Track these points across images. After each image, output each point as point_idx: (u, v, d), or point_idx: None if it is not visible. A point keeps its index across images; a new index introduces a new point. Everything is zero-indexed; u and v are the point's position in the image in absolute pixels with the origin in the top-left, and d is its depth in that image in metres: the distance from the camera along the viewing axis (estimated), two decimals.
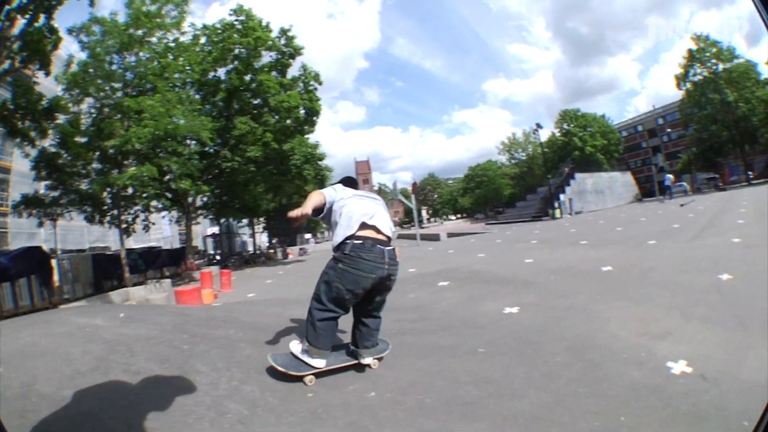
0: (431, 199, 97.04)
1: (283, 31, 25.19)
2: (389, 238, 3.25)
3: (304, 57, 26.47)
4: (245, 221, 42.08)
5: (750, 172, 41.95)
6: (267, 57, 25.23)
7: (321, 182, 27.79)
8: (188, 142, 21.69)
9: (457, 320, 5.00)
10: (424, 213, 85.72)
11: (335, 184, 3.62)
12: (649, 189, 52.10)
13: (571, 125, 57.69)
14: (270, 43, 24.59)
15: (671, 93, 73.25)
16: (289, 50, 25.41)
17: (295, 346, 3.19)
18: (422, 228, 47.99)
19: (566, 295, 5.72)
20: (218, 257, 39.17)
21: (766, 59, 42.95)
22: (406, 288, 7.55)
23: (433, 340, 4.17)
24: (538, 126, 45.14)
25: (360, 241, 3.04)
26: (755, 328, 3.57)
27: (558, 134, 59.87)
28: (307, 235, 62.29)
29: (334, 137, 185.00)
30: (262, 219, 43.60)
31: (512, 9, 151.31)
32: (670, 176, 33.67)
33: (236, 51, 24.29)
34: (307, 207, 3.10)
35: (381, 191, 45.42)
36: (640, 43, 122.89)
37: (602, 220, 20.73)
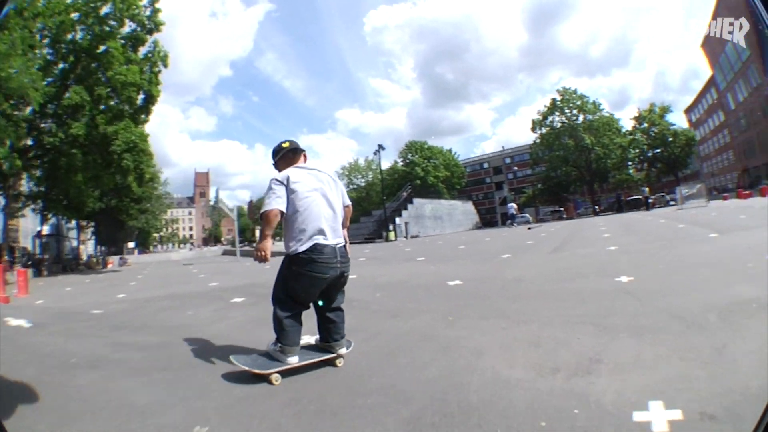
0: None
1: (152, 2, 22.19)
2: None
3: (167, 44, 23.99)
4: (74, 222, 36.92)
5: (597, 206, 46.69)
6: (128, 27, 22.10)
7: (140, 178, 24.12)
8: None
9: (216, 358, 3.39)
10: (257, 233, 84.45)
11: (282, 154, 3.37)
12: (490, 219, 55.70)
13: (416, 156, 59.11)
14: (136, 10, 21.51)
15: (520, 140, 79.80)
16: (150, 24, 22.32)
17: (271, 347, 3.09)
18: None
19: (401, 315, 4.40)
20: (32, 261, 33.83)
21: (632, 116, 50.88)
22: (193, 303, 6.80)
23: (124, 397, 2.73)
24: (380, 147, 43.51)
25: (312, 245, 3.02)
26: (713, 326, 2.88)
27: (401, 164, 60.77)
28: (131, 244, 55.58)
29: (181, 144, 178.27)
30: (91, 223, 38.81)
31: (386, 46, 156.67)
32: (514, 205, 35.38)
33: (103, 10, 20.95)
34: (268, 242, 3.05)
35: (215, 209, 43.01)
36: (501, 96, 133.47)
37: (441, 241, 20.41)
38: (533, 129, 51.51)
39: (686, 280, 4.54)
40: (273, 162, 3.39)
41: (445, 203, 48.66)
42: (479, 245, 13.86)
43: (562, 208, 47.91)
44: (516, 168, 66.35)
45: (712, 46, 49.90)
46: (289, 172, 3.10)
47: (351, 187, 65.33)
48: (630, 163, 50.23)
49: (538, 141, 51.56)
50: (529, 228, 21.91)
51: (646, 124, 49.11)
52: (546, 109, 50.35)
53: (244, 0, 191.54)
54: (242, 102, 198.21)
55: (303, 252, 2.96)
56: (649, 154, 49.44)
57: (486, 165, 76.38)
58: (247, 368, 2.90)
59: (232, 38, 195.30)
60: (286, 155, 3.32)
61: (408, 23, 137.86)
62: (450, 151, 61.95)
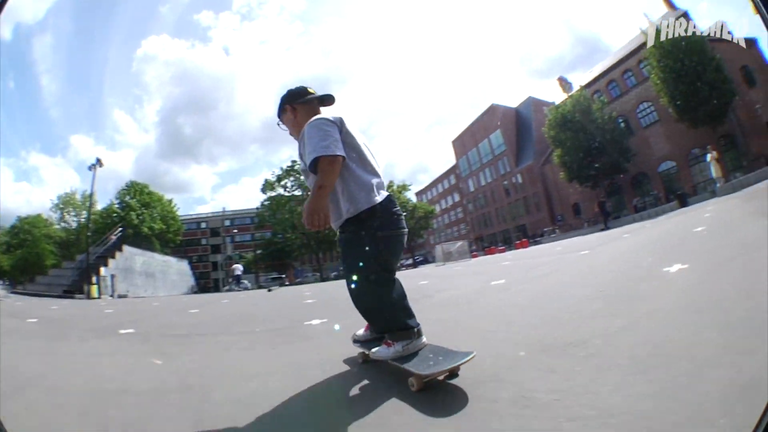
0: None
1: None
2: None
3: None
4: None
5: (320, 273, 47.75)
6: None
7: None
8: None
9: None
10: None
11: (306, 100, 2.84)
12: (204, 284, 52.13)
13: (134, 199, 50.99)
14: None
15: (237, 207, 76.13)
16: None
17: (384, 351, 2.53)
18: None
19: None
20: None
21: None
22: None
23: None
24: (99, 161, 33.99)
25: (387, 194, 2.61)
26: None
27: (117, 204, 51.59)
28: None
29: None
30: None
31: (146, 78, 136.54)
32: (240, 266, 32.88)
33: None
34: (327, 199, 2.41)
35: None
36: (229, 162, 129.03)
37: (158, 302, 16.10)
38: (264, 190, 50.28)
39: None
40: (286, 106, 2.88)
41: (159, 258, 40.66)
42: (222, 309, 10.18)
43: (283, 276, 48.19)
44: (236, 231, 63.77)
45: (463, 142, 63.14)
46: (338, 114, 2.61)
47: (62, 224, 52.83)
48: None
49: (267, 203, 50.15)
50: (269, 290, 20.48)
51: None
52: (282, 171, 49.97)
53: None
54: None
55: (382, 203, 2.51)
56: None
57: (204, 225, 70.02)
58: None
59: None
60: (310, 102, 2.83)
61: (177, 62, 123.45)
62: (171, 202, 54.53)
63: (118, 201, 52.42)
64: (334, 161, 2.34)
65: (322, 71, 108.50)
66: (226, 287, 32.15)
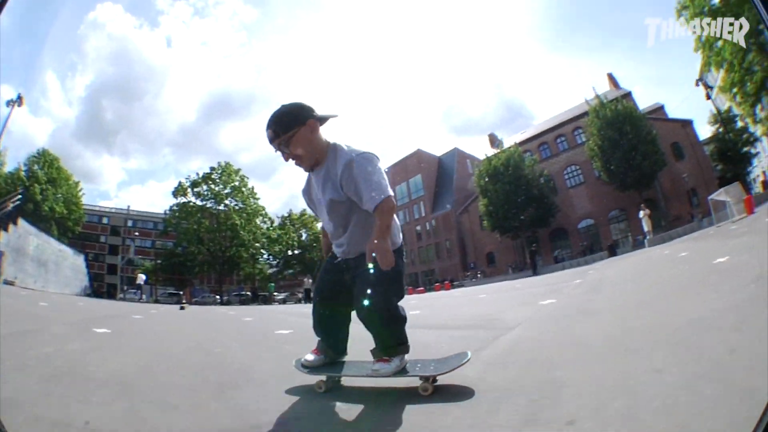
0: None
1: None
2: None
3: None
4: None
5: (221, 296, 44.41)
6: None
7: None
8: None
9: None
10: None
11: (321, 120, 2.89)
12: (98, 288, 45.15)
13: (42, 170, 45.33)
14: None
15: (141, 208, 70.08)
16: None
17: (387, 366, 2.71)
18: None
19: None
20: None
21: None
22: None
23: None
24: (20, 98, 31.16)
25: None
26: None
27: (24, 171, 45.23)
28: None
29: None
30: None
31: (87, 45, 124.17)
32: (144, 276, 32.69)
33: None
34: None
35: None
36: (139, 161, 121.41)
37: (46, 302, 12.79)
38: (175, 194, 45.98)
39: None
40: (310, 120, 2.78)
41: (55, 246, 35.43)
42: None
43: (182, 292, 42.49)
44: (137, 234, 57.11)
45: None
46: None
47: None
48: (269, 258, 50.63)
49: (176, 208, 45.88)
50: (182, 308, 19.01)
51: (296, 226, 50.85)
52: (198, 177, 46.07)
53: None
54: None
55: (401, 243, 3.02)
56: (289, 254, 50.43)
57: (106, 220, 60.81)
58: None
59: None
60: (323, 122, 2.89)
61: (121, 39, 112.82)
62: (78, 185, 49.09)
63: (26, 168, 45.90)
64: (394, 202, 2.58)
65: (250, 87, 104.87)
66: (122, 295, 28.02)
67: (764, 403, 1.38)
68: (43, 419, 2.31)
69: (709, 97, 33.06)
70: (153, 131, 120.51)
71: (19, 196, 35.17)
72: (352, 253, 2.77)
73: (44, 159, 46.44)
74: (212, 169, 46.30)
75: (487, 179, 40.99)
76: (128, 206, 64.90)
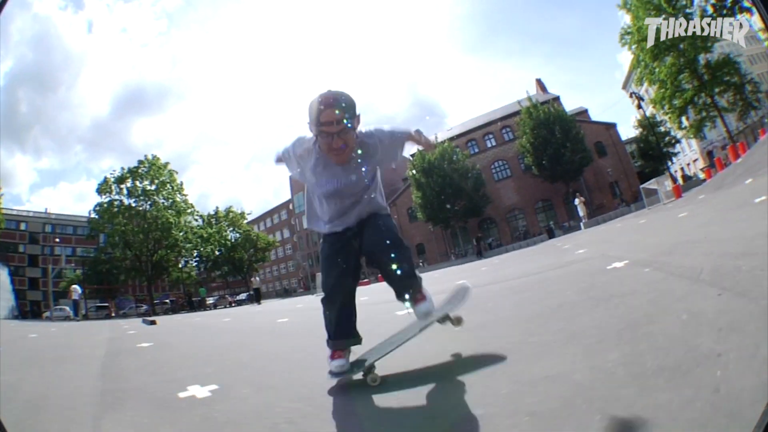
0: None
1: None
2: None
3: None
4: None
5: (151, 306, 41.38)
6: None
7: None
8: None
9: None
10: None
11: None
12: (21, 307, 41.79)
13: None
14: None
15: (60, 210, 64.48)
16: None
17: (430, 303, 2.76)
18: None
19: None
20: None
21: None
22: None
23: None
24: None
25: None
26: None
27: None
28: None
29: None
30: None
31: (11, 28, 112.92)
32: (79, 288, 28.96)
33: None
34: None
35: None
36: (51, 160, 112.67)
37: None
38: (101, 191, 42.14)
39: None
40: (351, 116, 2.56)
41: None
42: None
43: (108, 304, 40.75)
44: (57, 240, 52.37)
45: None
46: None
47: None
48: (198, 259, 48.78)
49: (100, 208, 42.14)
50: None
51: (225, 224, 49.59)
52: (125, 171, 42.65)
53: None
54: None
55: None
56: (217, 254, 48.29)
57: (24, 226, 54.53)
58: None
59: None
60: None
61: (44, 21, 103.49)
62: None
63: None
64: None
65: (165, 79, 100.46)
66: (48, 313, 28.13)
67: (764, 403, 1.38)
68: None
69: (640, 106, 38.18)
70: (65, 126, 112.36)
71: None
72: (364, 214, 2.81)
73: None
74: (140, 162, 42.92)
75: (421, 173, 42.73)
76: (46, 209, 59.14)
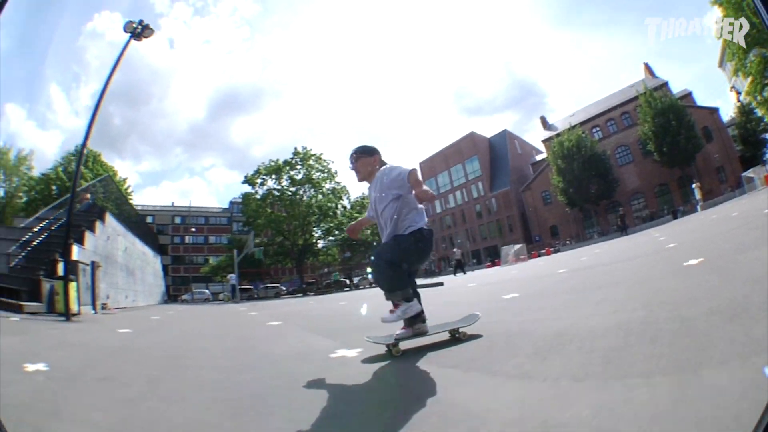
0: None
1: None
2: None
3: None
4: None
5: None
6: None
7: None
8: None
9: None
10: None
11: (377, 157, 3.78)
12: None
13: (89, 167, 39.41)
14: None
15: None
16: None
17: (388, 315, 3.41)
18: None
19: None
20: None
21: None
22: None
23: None
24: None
25: (430, 229, 3.59)
26: None
27: (64, 171, 39.84)
28: None
29: None
30: None
31: (88, 55, 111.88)
32: (234, 275, 31.71)
33: None
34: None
35: None
36: (152, 162, 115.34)
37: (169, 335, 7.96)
38: (251, 182, 43.15)
39: None
40: (363, 156, 3.70)
41: (139, 245, 26.21)
42: None
43: (251, 287, 40.85)
44: (194, 230, 55.09)
45: (432, 165, 64.25)
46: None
47: None
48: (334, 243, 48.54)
49: (257, 197, 42.99)
50: None
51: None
52: (279, 162, 43.86)
53: None
54: None
55: (427, 234, 3.54)
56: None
57: (150, 219, 53.66)
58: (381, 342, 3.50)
59: None
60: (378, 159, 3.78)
61: (121, 45, 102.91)
62: (125, 181, 44.71)
63: (63, 168, 40.94)
64: (418, 174, 3.49)
65: (258, 80, 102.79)
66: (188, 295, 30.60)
67: (764, 403, 1.36)
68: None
69: (739, 99, 40.19)
70: (162, 132, 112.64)
71: (97, 182, 27.94)
72: (401, 229, 3.50)
73: (92, 157, 40.92)
74: (294, 154, 44.25)
75: (561, 159, 45.28)
76: (172, 202, 61.51)
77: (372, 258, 3.43)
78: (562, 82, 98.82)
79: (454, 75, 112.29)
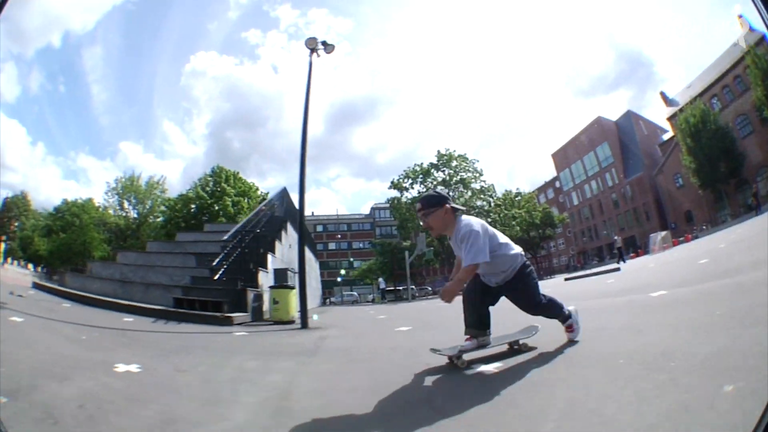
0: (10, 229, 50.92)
1: None
2: None
3: None
4: None
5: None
6: None
7: None
8: None
9: None
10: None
11: (464, 215, 3.58)
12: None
13: (230, 184, 43.29)
14: None
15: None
16: None
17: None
18: None
19: None
20: None
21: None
22: None
23: None
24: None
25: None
26: None
27: (202, 190, 42.81)
28: None
29: None
30: None
31: (195, 92, 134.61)
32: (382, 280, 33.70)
33: None
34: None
35: None
36: (276, 177, 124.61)
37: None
38: (398, 187, 45.89)
39: None
40: (432, 209, 3.44)
41: (308, 252, 22.94)
42: None
43: (429, 288, 43.66)
44: (339, 236, 59.31)
45: (566, 155, 63.05)
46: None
47: (119, 212, 44.82)
48: None
49: (407, 201, 45.22)
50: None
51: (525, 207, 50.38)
52: (427, 166, 46.06)
53: None
54: (51, 85, 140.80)
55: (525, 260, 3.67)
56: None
57: (320, 228, 61.39)
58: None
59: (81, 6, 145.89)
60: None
61: (225, 78, 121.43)
62: (266, 195, 44.15)
63: (200, 185, 43.34)
64: (476, 267, 3.30)
65: (370, 91, 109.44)
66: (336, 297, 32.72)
67: (764, 403, 1.37)
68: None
69: None
70: (284, 150, 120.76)
71: (281, 192, 24.78)
72: (499, 281, 3.62)
73: (224, 174, 43.52)
74: (438, 157, 46.12)
75: (690, 137, 43.19)
76: (312, 212, 62.95)
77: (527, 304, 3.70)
78: (664, 47, 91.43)
79: (561, 56, 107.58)
